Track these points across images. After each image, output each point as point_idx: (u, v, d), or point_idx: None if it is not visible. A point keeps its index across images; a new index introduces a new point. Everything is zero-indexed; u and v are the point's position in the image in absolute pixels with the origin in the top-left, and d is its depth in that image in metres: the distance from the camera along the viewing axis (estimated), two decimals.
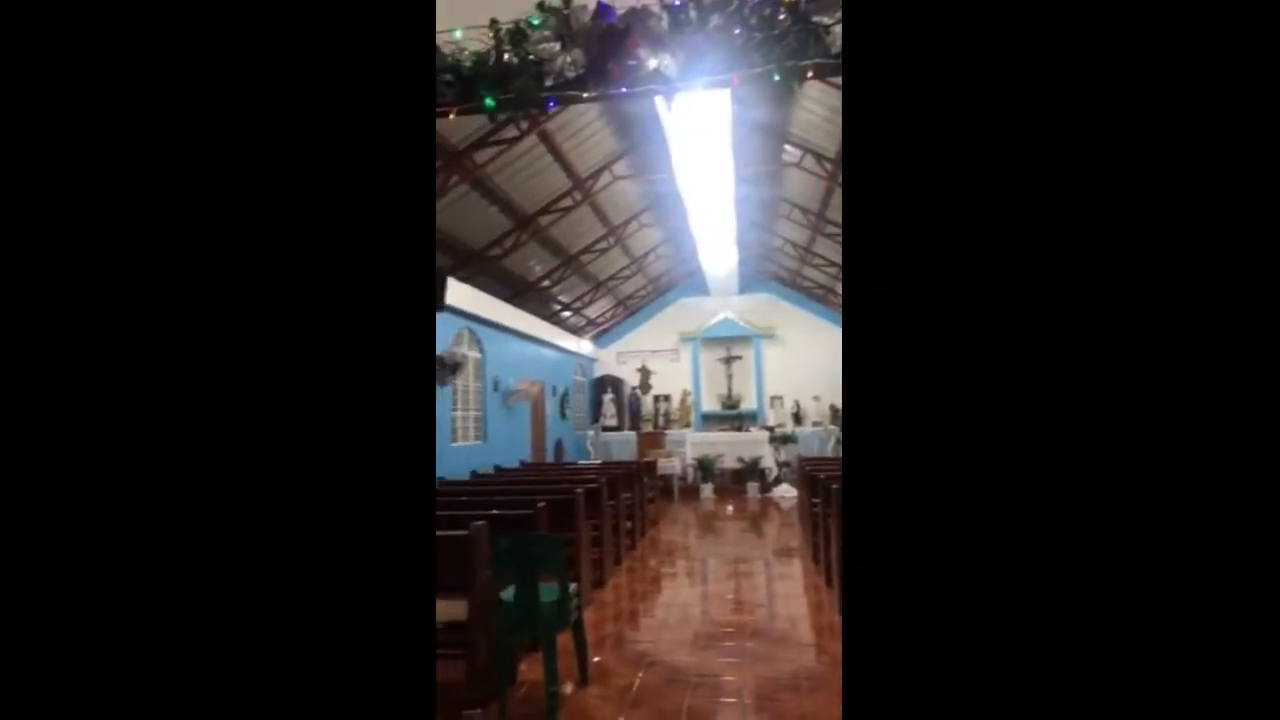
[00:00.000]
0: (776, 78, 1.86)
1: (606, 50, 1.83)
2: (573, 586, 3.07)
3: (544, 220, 8.37)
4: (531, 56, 1.89)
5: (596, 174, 8.10)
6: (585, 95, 1.95)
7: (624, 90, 1.92)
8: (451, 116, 2.11)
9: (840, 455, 6.52)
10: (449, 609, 3.06)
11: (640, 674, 3.24)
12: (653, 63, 1.83)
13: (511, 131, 6.21)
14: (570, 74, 1.89)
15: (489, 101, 2.00)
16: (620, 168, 8.25)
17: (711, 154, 6.41)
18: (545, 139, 6.85)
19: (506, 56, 1.94)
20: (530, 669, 3.20)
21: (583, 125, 7.10)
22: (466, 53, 2.04)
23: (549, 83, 1.90)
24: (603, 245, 10.16)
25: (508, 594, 2.96)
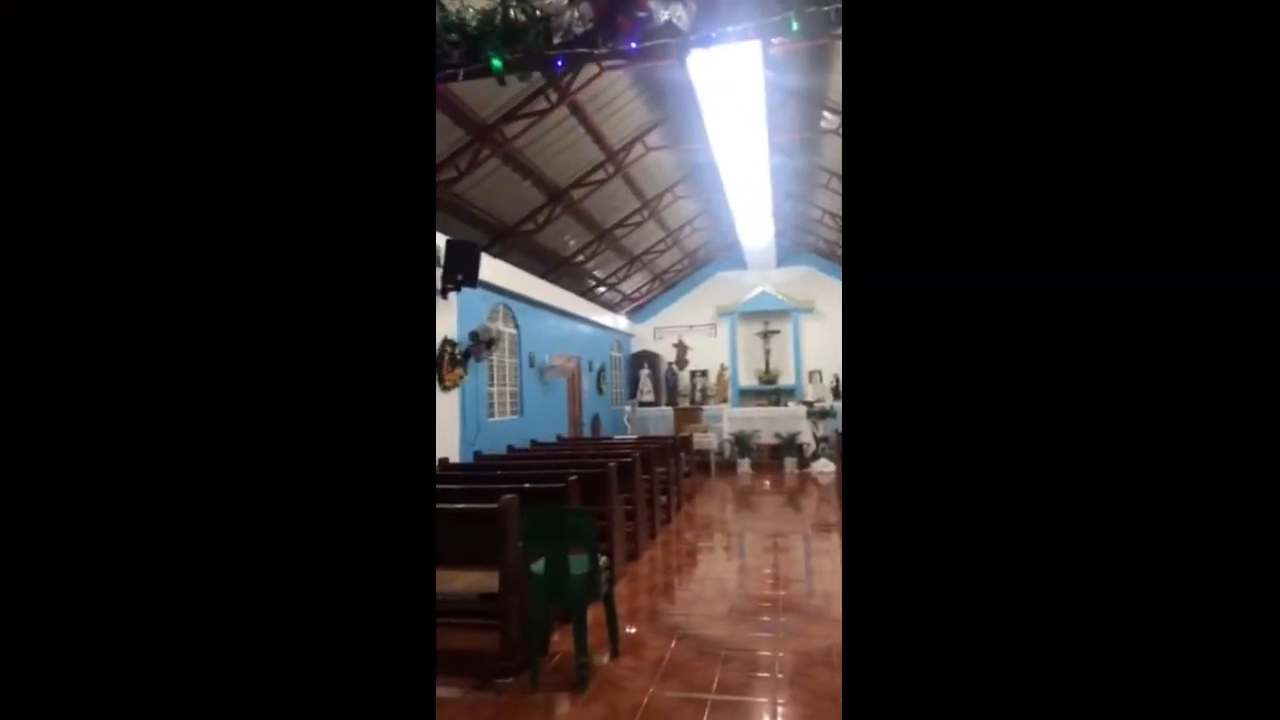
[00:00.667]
0: (795, 26, 1.75)
1: (615, 2, 1.75)
2: (603, 560, 3.07)
3: (576, 194, 8.31)
4: (539, 12, 1.82)
5: (629, 145, 7.99)
6: (595, 52, 1.87)
7: (635, 46, 1.84)
8: (460, 79, 2.05)
9: None
10: (481, 581, 3.10)
11: (672, 646, 3.23)
12: (664, 14, 1.74)
13: (541, 103, 6.15)
14: (579, 29, 1.82)
15: (496, 62, 1.94)
16: (653, 139, 8.11)
17: (745, 122, 6.24)
18: (576, 110, 6.76)
19: (513, 13, 1.87)
20: (563, 640, 3.22)
21: (614, 96, 6.99)
22: (472, 11, 1.98)
23: (557, 40, 1.83)
24: (637, 219, 10.06)
25: (538, 566, 2.98)
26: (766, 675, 2.89)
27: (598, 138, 7.42)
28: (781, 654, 3.10)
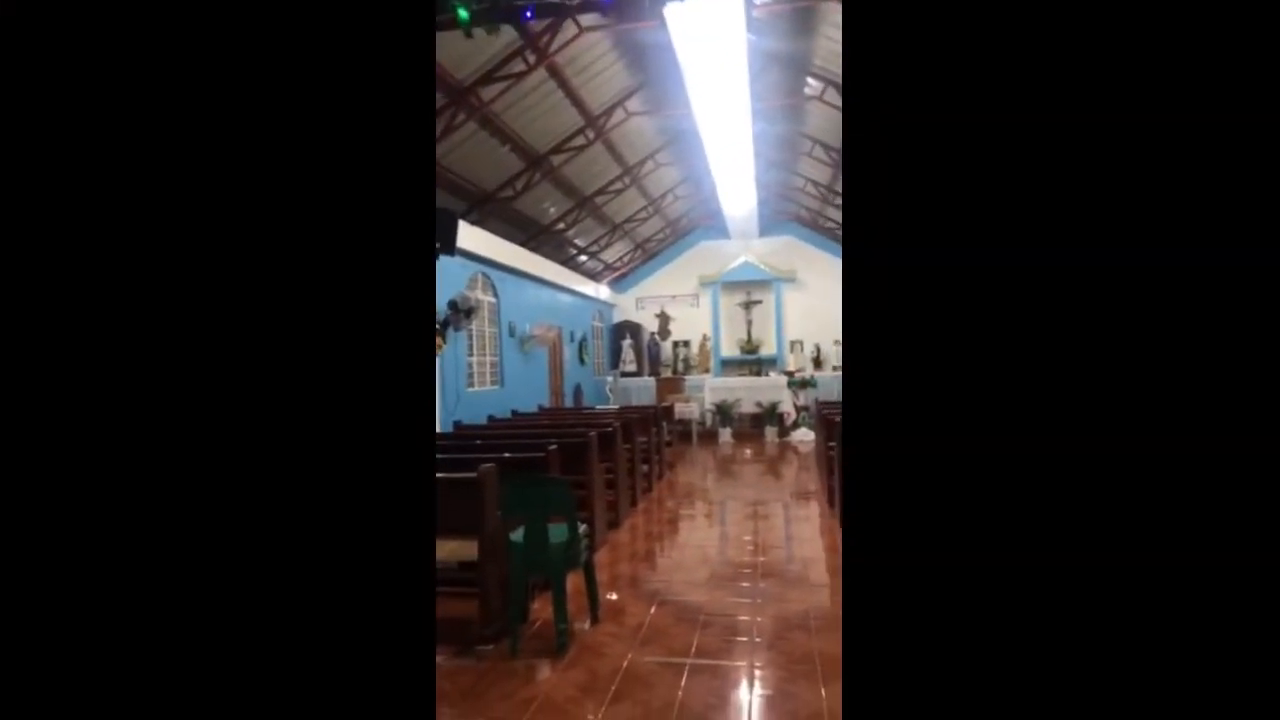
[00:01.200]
0: None
1: None
2: (583, 528, 3.06)
3: (556, 160, 8.17)
4: None
5: (609, 110, 7.84)
6: (568, 3, 1.79)
7: None
8: None
9: None
10: (461, 549, 3.08)
11: (652, 612, 3.26)
12: None
13: (519, 65, 5.99)
14: None
15: (462, 12, 1.84)
16: (634, 104, 7.97)
17: (728, 86, 6.13)
18: (555, 74, 6.60)
19: None
20: (543, 607, 3.23)
21: (594, 59, 6.83)
22: None
23: None
24: (618, 186, 9.93)
25: (517, 535, 2.97)
26: (745, 639, 2.92)
27: (577, 102, 7.26)
28: (760, 619, 3.14)
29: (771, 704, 2.38)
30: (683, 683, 2.52)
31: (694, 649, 2.82)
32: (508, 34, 5.66)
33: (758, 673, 2.61)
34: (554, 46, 5.98)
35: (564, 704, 2.40)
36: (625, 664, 2.69)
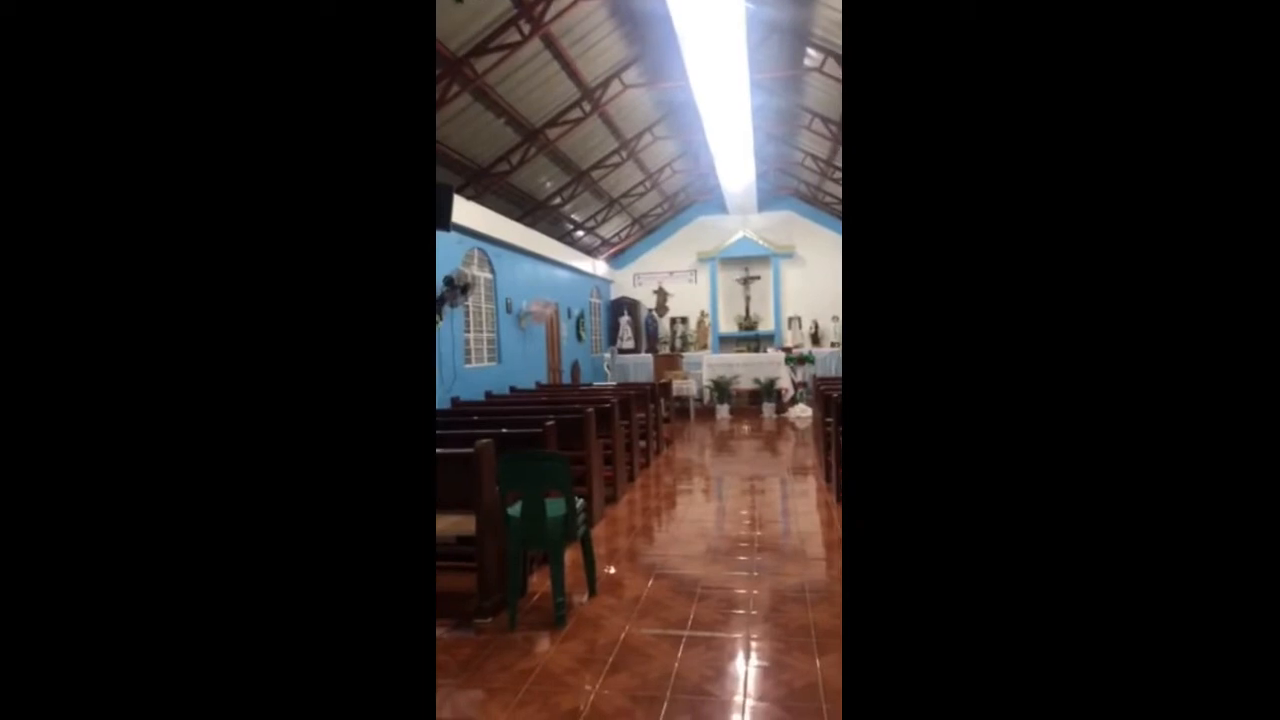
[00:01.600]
0: None
1: None
2: (580, 502, 3.07)
3: (552, 134, 8.06)
4: None
5: (606, 83, 7.71)
6: None
7: None
8: None
9: None
10: (459, 524, 3.09)
11: (649, 585, 3.28)
12: None
13: (513, 35, 5.88)
14: None
15: None
16: (631, 75, 7.84)
17: (726, 58, 6.02)
18: (550, 44, 6.49)
19: None
20: (542, 581, 3.25)
21: (590, 29, 6.70)
22: None
23: None
24: (615, 160, 9.81)
25: (515, 509, 2.97)
26: (741, 612, 2.95)
27: (573, 74, 7.15)
28: (756, 591, 3.17)
29: (767, 674, 2.40)
30: (679, 654, 2.54)
31: (691, 621, 2.84)
32: (501, 2, 5.55)
33: (754, 644, 2.63)
34: (549, 16, 5.87)
35: (562, 675, 2.42)
36: (623, 636, 2.72)
